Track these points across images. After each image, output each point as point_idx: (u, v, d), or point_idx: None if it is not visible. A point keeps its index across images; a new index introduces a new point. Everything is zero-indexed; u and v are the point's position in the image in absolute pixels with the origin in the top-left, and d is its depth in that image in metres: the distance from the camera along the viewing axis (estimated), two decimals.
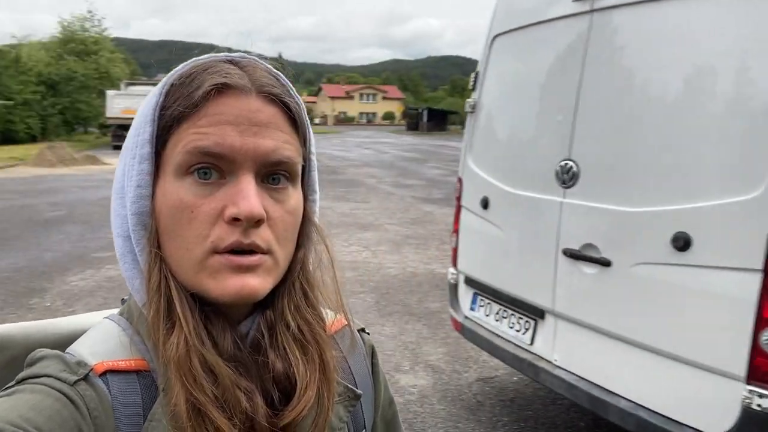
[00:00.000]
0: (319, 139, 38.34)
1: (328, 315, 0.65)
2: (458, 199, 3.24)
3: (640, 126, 2.17)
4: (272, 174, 0.54)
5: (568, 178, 2.43)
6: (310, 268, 0.61)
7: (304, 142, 0.59)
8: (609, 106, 2.30)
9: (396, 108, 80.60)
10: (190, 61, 0.55)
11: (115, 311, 0.61)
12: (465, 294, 3.20)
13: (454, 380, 3.76)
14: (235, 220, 0.50)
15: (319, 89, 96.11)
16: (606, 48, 2.34)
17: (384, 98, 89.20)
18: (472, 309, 3.12)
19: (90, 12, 37.68)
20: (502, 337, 2.86)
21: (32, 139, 27.53)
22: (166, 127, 0.53)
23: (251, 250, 0.51)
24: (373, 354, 0.73)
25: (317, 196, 0.64)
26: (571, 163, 2.42)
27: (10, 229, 8.01)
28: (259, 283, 0.52)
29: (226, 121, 0.51)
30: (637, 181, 2.18)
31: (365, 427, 0.67)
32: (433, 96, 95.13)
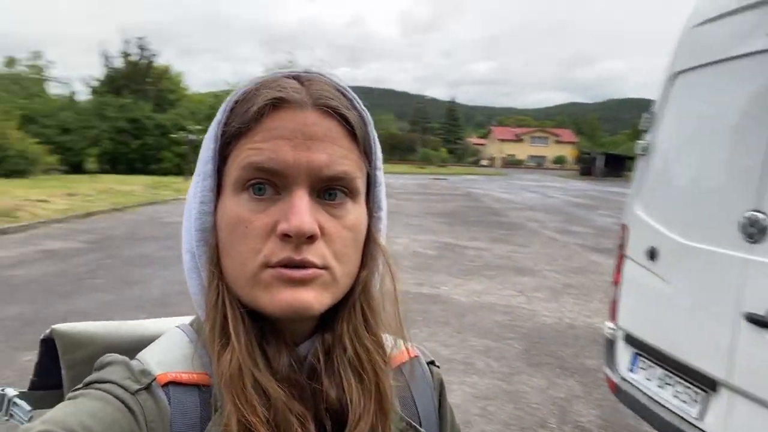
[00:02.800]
0: (484, 180, 38.25)
1: (396, 344, 0.62)
2: (621, 247, 2.98)
3: None
4: (329, 189, 0.52)
5: (756, 231, 2.10)
6: (373, 291, 0.58)
7: (367, 156, 0.56)
8: None
9: (568, 152, 77.40)
10: (256, 77, 0.55)
11: (188, 319, 0.62)
12: (624, 352, 2.89)
13: None
14: (286, 236, 0.49)
15: (489, 131, 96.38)
16: None
17: (556, 142, 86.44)
18: (631, 370, 2.81)
19: (290, 62, 42.68)
20: (664, 407, 2.51)
21: None
22: (226, 143, 0.53)
23: (304, 265, 0.50)
24: (441, 389, 0.68)
25: (383, 214, 0.60)
26: (761, 216, 2.09)
27: None
28: (313, 298, 0.50)
29: (280, 136, 0.50)
30: None
31: None
32: (611, 140, 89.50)
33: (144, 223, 11.87)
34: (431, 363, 0.69)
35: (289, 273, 0.49)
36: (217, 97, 35.15)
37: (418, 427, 0.60)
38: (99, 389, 0.48)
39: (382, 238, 0.59)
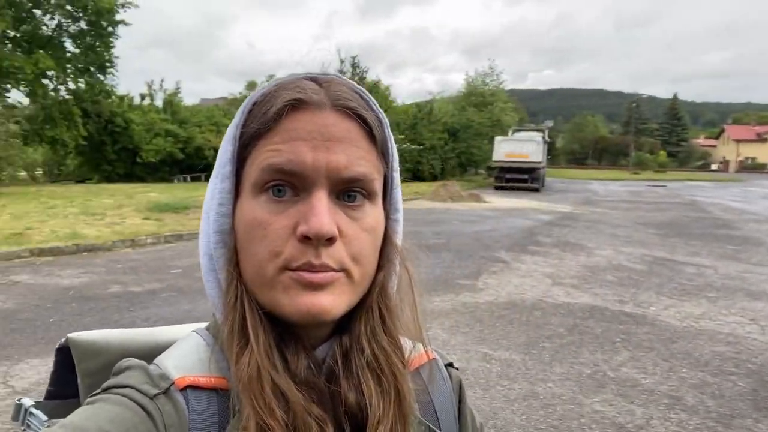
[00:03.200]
0: (713, 187, 33.35)
1: (415, 347, 0.61)
2: None
3: None
4: (348, 191, 0.52)
5: None
6: (391, 293, 0.57)
7: (384, 158, 0.56)
8: None
9: None
10: (273, 79, 0.55)
11: (203, 325, 0.62)
12: None
13: None
14: (305, 237, 0.49)
15: (721, 131, 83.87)
16: None
17: None
18: None
19: (491, 68, 42.68)
20: None
21: (434, 177, 32.64)
22: (244, 145, 0.53)
23: (323, 269, 0.50)
24: (460, 391, 0.67)
25: (400, 216, 0.60)
26: None
27: None
28: (331, 302, 0.50)
29: (299, 137, 0.50)
30: None
31: None
32: None
33: None
34: (449, 365, 0.68)
35: (309, 277, 0.50)
36: (419, 107, 36.66)
37: (437, 430, 0.60)
38: (117, 394, 0.49)
39: (399, 240, 0.59)
